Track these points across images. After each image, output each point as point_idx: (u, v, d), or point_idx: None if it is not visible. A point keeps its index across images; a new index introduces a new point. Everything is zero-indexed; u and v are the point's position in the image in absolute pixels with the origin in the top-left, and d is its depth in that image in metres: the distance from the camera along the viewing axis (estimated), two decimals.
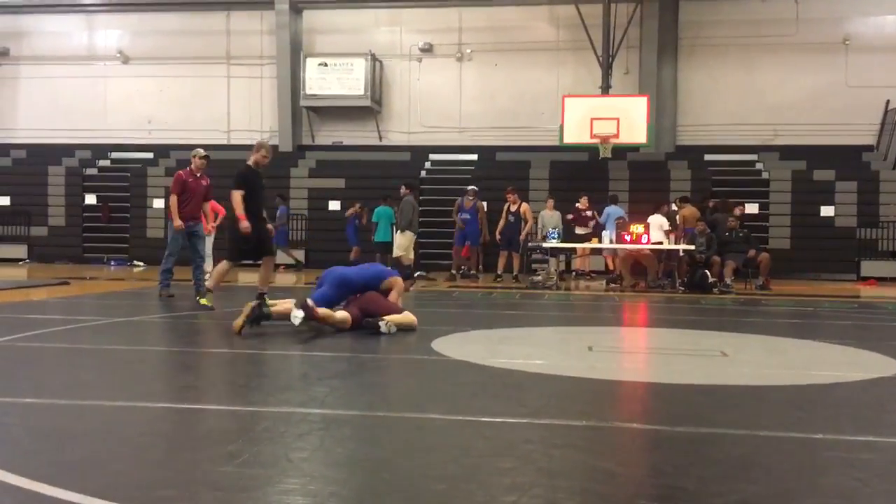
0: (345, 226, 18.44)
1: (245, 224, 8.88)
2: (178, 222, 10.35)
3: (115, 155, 22.66)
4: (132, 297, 11.39)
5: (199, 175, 10.72)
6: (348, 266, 8.24)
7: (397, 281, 7.85)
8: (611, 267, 16.31)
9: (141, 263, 19.63)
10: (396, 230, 15.46)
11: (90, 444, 3.49)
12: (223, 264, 9.48)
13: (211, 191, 11.12)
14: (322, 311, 7.06)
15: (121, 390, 4.74)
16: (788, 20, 20.32)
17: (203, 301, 9.47)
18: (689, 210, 15.18)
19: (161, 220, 20.66)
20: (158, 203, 20.81)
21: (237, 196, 9.00)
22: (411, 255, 14.95)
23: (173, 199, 10.51)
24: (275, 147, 22.01)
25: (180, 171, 10.90)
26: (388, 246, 16.23)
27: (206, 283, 9.80)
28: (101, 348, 6.40)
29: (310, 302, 6.99)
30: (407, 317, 7.40)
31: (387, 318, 7.19)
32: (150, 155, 22.18)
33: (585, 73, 20.39)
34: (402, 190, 15.24)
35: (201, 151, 10.93)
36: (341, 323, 7.20)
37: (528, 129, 20.99)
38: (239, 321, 7.00)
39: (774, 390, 4.95)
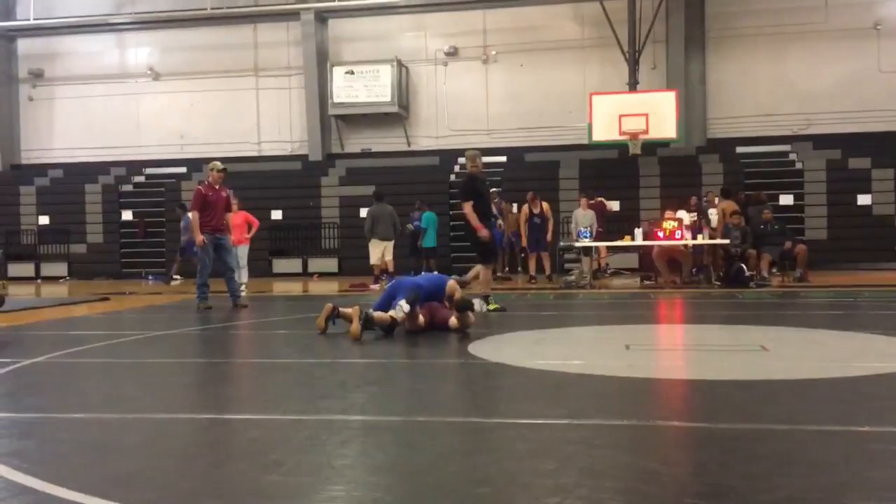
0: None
1: (484, 232, 9.37)
2: (199, 238, 10.54)
3: (149, 171, 22.98)
4: (171, 311, 11.55)
5: (217, 188, 10.88)
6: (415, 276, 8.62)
7: (454, 285, 7.96)
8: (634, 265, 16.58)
9: (178, 277, 19.88)
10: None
11: (137, 456, 3.55)
12: (484, 270, 9.68)
13: (230, 202, 11.28)
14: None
15: (164, 403, 4.82)
16: (817, 7, 20.02)
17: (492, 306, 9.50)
18: (728, 204, 14.94)
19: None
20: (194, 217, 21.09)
21: (468, 207, 9.46)
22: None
23: (194, 215, 10.68)
24: (305, 157, 22.24)
25: (199, 186, 11.08)
26: (435, 251, 16.81)
27: (479, 290, 9.77)
28: (143, 362, 6.50)
29: (405, 307, 7.26)
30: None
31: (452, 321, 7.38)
32: (183, 169, 22.47)
33: (612, 70, 20.26)
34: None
35: (219, 164, 11.13)
36: (419, 326, 7.47)
37: (556, 128, 20.91)
38: (355, 326, 7.21)
39: (817, 384, 4.89)
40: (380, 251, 15.44)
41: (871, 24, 19.97)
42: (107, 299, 13.19)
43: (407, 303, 7.25)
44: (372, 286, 14.81)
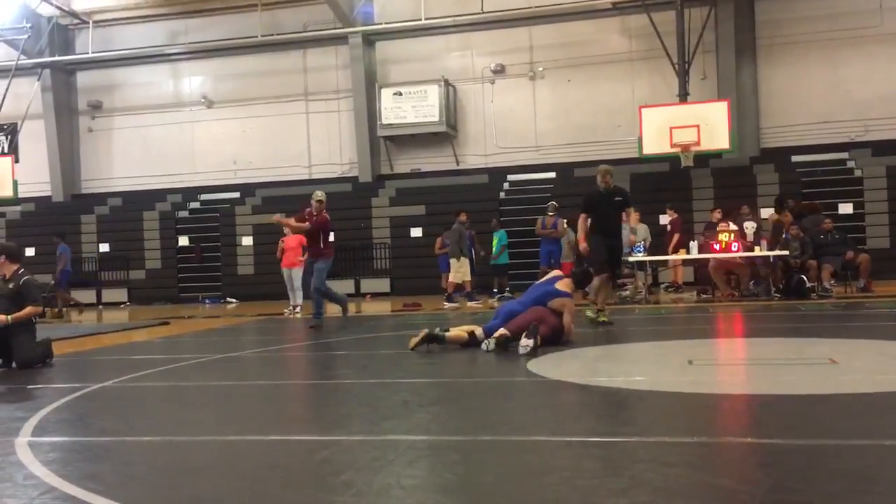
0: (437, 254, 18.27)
1: (583, 246, 9.88)
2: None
3: (204, 197, 23.47)
4: (229, 334, 11.73)
5: (316, 215, 11.55)
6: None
7: (566, 302, 7.93)
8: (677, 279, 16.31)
9: (234, 300, 20.21)
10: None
11: (209, 479, 3.60)
12: (597, 280, 9.78)
13: (328, 227, 11.74)
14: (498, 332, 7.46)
15: (231, 425, 4.88)
16: (871, 11, 19.60)
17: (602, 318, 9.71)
18: (782, 215, 14.56)
19: (250, 256, 21.30)
20: (247, 241, 21.46)
21: (581, 220, 10.04)
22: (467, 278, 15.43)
23: (298, 226, 11.80)
24: (355, 178, 22.46)
25: (304, 212, 11.83)
26: (505, 268, 17.08)
27: (597, 302, 9.91)
28: (207, 384, 6.60)
29: (479, 332, 7.69)
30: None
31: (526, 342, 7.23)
32: (237, 194, 22.90)
33: (661, 81, 20.09)
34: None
35: (319, 194, 11.86)
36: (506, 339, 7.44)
37: (605, 143, 20.77)
38: (415, 340, 7.66)
39: (891, 397, 4.74)
40: (466, 269, 15.52)
41: None
42: (167, 324, 13.45)
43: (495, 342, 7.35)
44: (448, 304, 15.00)
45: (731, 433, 4.19)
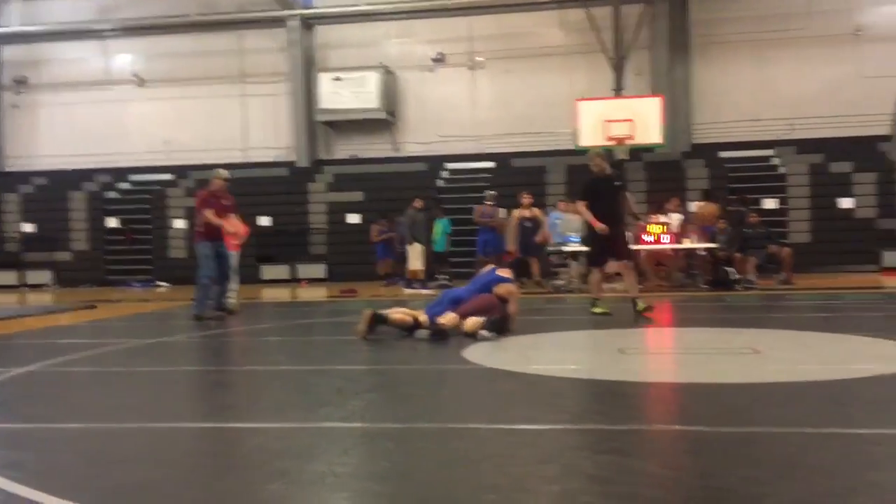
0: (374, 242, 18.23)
1: (600, 226, 9.17)
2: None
3: (134, 177, 22.84)
4: (159, 318, 11.49)
5: (219, 196, 10.71)
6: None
7: (512, 289, 7.95)
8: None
9: (164, 284, 19.78)
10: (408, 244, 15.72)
11: (139, 467, 3.52)
12: (594, 273, 9.67)
13: (230, 211, 11.04)
14: (441, 320, 7.40)
15: (161, 412, 4.79)
16: (800, 14, 20.21)
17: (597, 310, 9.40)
18: (709, 208, 15.02)
19: (183, 240, 20.87)
20: (179, 223, 21.00)
21: (580, 206, 9.54)
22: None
23: (209, 212, 10.35)
24: (292, 163, 22.18)
25: (203, 191, 10.91)
26: (444, 256, 16.95)
27: (593, 293, 9.70)
28: (136, 370, 6.46)
29: (423, 318, 7.50)
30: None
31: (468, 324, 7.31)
32: (169, 176, 22.36)
33: (598, 75, 20.35)
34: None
35: (223, 172, 10.90)
36: (454, 326, 7.44)
37: (543, 134, 20.96)
38: (361, 326, 7.42)
39: (812, 386, 4.93)
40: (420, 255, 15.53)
41: (851, 30, 20.17)
42: (94, 307, 13.09)
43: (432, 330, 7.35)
44: (408, 290, 14.99)
45: (660, 421, 4.31)
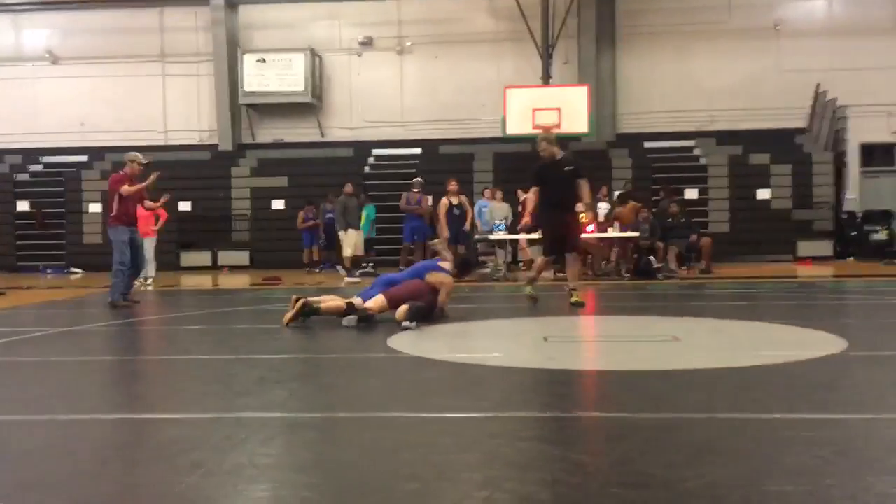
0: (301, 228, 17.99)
1: (525, 220, 9.47)
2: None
3: (46, 159, 21.98)
4: (72, 306, 11.07)
5: (134, 180, 10.38)
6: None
7: (444, 279, 7.87)
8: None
9: (78, 270, 19.10)
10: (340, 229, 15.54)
11: (47, 461, 3.37)
12: (540, 260, 9.54)
13: (144, 197, 10.67)
14: (368, 304, 7.43)
15: (72, 403, 4.59)
16: (721, 7, 20.76)
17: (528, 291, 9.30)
18: (628, 207, 15.07)
19: (98, 224, 20.17)
20: (94, 207, 20.26)
21: (530, 194, 9.33)
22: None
23: (126, 188, 10.04)
24: (214, 146, 21.67)
25: (119, 173, 10.53)
26: (370, 243, 16.91)
27: (528, 273, 9.62)
28: (46, 360, 6.19)
29: (357, 301, 7.45)
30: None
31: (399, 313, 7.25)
32: (84, 158, 21.59)
33: (526, 63, 20.49)
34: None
35: (140, 157, 10.58)
36: (381, 310, 7.45)
37: (470, 121, 21.02)
38: (289, 315, 7.33)
39: (729, 373, 5.05)
40: (354, 241, 15.38)
41: (771, 25, 20.84)
42: (3, 294, 12.55)
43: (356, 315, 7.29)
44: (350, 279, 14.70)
45: (581, 408, 4.34)
